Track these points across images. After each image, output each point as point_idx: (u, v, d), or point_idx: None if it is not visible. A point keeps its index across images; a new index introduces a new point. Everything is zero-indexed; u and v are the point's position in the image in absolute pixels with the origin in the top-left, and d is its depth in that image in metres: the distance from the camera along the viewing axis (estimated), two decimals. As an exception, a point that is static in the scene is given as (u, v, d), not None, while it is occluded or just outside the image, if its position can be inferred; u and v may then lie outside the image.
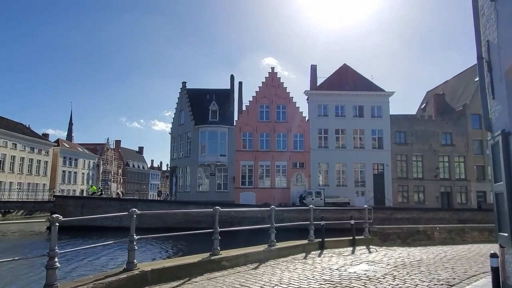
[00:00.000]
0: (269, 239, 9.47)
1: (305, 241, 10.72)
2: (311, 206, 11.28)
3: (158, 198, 57.53)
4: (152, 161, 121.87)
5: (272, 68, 41.09)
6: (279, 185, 39.76)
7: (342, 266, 8.27)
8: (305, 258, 9.33)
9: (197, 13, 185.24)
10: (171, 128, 44.85)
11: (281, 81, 41.39)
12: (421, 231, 13.07)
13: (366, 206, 12.81)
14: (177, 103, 43.83)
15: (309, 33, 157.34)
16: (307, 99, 41.61)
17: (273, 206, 10.03)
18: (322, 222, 11.04)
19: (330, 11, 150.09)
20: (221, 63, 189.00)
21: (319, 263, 8.63)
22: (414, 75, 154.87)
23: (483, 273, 8.11)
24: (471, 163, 40.89)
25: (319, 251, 10.50)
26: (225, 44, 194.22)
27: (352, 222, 11.88)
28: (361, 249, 11.09)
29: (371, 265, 8.62)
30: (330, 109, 40.75)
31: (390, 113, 41.46)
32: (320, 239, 10.95)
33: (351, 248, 11.17)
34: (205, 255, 7.77)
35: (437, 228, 13.24)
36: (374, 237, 12.41)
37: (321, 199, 36.51)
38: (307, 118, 40.82)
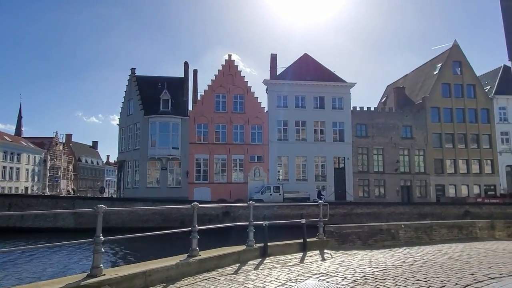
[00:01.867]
0: (190, 248, 7.03)
1: (243, 247, 8.37)
2: (250, 202, 8.91)
3: (101, 195, 53.25)
4: (108, 156, 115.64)
5: (229, 56, 38.51)
6: (236, 180, 37.41)
7: (283, 285, 5.98)
8: (236, 272, 6.95)
9: (159, 8, 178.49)
10: (119, 119, 41.16)
11: (238, 70, 38.90)
12: (384, 229, 11.11)
13: (320, 201, 10.64)
14: (125, 91, 40.20)
15: (273, 32, 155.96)
16: (266, 89, 39.46)
17: (195, 203, 7.51)
18: (264, 223, 8.71)
19: (295, 12, 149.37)
20: (182, 58, 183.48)
21: (253, 281, 6.28)
22: (370, 74, 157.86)
23: (466, 287, 6.15)
24: (430, 156, 40.52)
25: (260, 259, 8.16)
26: (187, 40, 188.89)
27: (303, 221, 9.65)
28: (313, 255, 8.89)
29: (322, 280, 6.38)
30: (290, 100, 38.83)
31: (351, 105, 40.21)
32: (263, 244, 8.64)
33: (301, 255, 8.94)
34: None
35: (402, 226, 11.35)
36: (330, 239, 10.28)
37: (280, 194, 34.60)
38: (266, 109, 38.67)
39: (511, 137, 41.94)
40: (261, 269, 7.20)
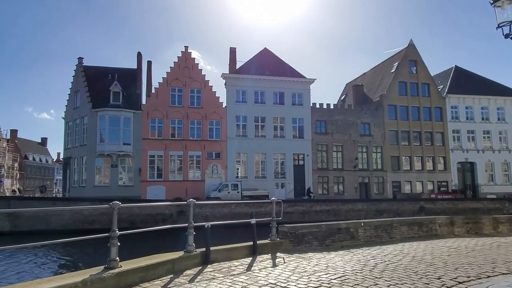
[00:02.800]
0: (107, 258, 5.63)
1: (180, 254, 7.05)
2: (191, 199, 7.59)
3: (41, 195, 49.35)
4: (59, 154, 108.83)
5: (186, 48, 36.68)
6: (193, 177, 35.77)
7: (219, 304, 4.76)
8: (165, 287, 5.63)
9: (115, 1, 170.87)
10: (64, 112, 38.04)
11: (195, 63, 37.19)
12: (343, 229, 10.19)
13: (273, 198, 9.54)
14: (72, 82, 37.20)
15: (234, 30, 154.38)
16: (225, 84, 38.09)
17: (115, 202, 6.08)
18: (207, 224, 7.43)
19: (256, 11, 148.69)
20: (137, 53, 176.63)
21: (182, 299, 5.00)
22: (330, 74, 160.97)
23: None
24: (387, 153, 41.02)
25: (199, 268, 6.88)
26: (146, 36, 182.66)
27: (253, 221, 8.47)
28: (263, 260, 7.74)
29: (270, 294, 5.24)
30: (249, 95, 37.73)
31: (311, 102, 39.82)
32: (204, 249, 7.36)
33: (249, 260, 7.76)
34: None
35: (362, 224, 10.50)
36: (284, 240, 9.19)
37: (238, 192, 33.43)
38: (224, 105, 37.30)
39: (462, 135, 43.44)
40: (197, 282, 5.92)
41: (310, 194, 37.99)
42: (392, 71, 43.97)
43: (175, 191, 33.60)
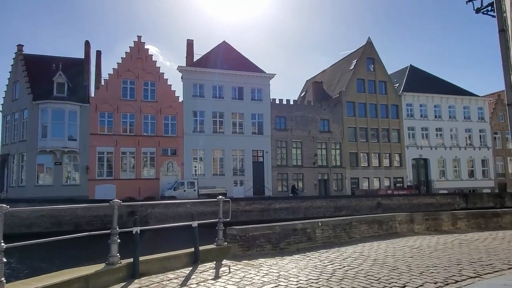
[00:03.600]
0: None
1: (100, 266, 5.73)
2: (115, 200, 6.25)
3: None
4: None
5: (139, 37, 34.51)
6: (147, 175, 33.82)
7: None
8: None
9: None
10: (2, 105, 34.58)
11: (149, 54, 35.12)
12: (299, 229, 9.24)
13: (220, 197, 8.37)
14: (10, 72, 33.85)
15: (193, 27, 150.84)
16: (182, 77, 36.35)
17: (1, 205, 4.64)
18: (135, 229, 6.14)
19: (217, 7, 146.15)
20: (93, 48, 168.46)
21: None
22: (290, 72, 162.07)
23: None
24: (346, 150, 41.16)
25: (123, 284, 5.60)
26: (100, 29, 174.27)
27: (195, 224, 7.26)
28: (205, 270, 6.57)
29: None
30: (207, 89, 36.27)
31: (271, 97, 39.03)
32: (132, 260, 6.07)
33: (189, 270, 6.56)
34: None
35: (319, 224, 9.61)
36: (233, 245, 8.07)
37: (195, 190, 31.95)
38: (181, 99, 35.57)
39: (416, 132, 44.56)
40: (112, 305, 4.65)
41: (296, 191, 37.65)
42: (350, 68, 44.21)
43: (127, 191, 31.53)
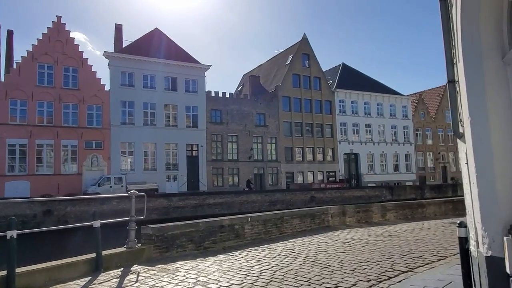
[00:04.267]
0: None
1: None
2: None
3: None
4: None
5: (58, 18, 31.11)
6: (67, 170, 30.75)
7: None
8: None
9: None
10: None
11: (71, 36, 31.85)
12: (226, 226, 8.38)
13: (133, 191, 7.18)
14: None
15: (126, 14, 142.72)
16: (108, 64, 33.57)
17: None
18: (10, 234, 4.79)
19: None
20: (4, 26, 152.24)
21: None
22: (226, 66, 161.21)
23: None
24: (281, 144, 41.33)
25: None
26: (17, 9, 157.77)
27: (97, 224, 6.04)
28: (107, 280, 5.41)
29: None
30: (137, 78, 33.94)
31: (206, 90, 37.76)
32: (6, 271, 4.73)
33: (85, 281, 5.36)
34: None
35: (249, 220, 8.84)
36: (148, 246, 6.97)
37: (122, 186, 29.69)
38: (107, 88, 32.84)
39: (348, 128, 46.24)
40: None
41: (251, 185, 36.97)
42: (287, 63, 44.46)
43: (43, 188, 28.35)
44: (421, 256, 7.01)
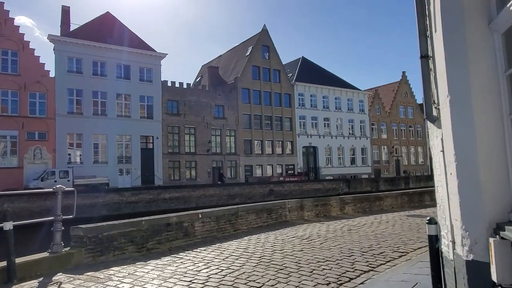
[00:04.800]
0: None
1: None
2: None
3: None
4: None
5: (-4, -5, 28.15)
6: (6, 163, 28.15)
7: None
8: None
9: None
10: None
11: (10, 16, 28.98)
12: (173, 223, 7.54)
13: (59, 186, 6.15)
14: None
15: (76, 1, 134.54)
16: (54, 49, 31.03)
17: None
18: None
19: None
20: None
21: None
22: (184, 60, 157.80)
23: None
24: (240, 137, 40.64)
25: None
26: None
27: (8, 226, 4.99)
28: (17, 295, 4.44)
29: None
30: (86, 65, 31.67)
31: (162, 79, 36.14)
32: None
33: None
34: None
35: (200, 216, 8.05)
36: (77, 250, 5.98)
37: (69, 180, 27.63)
38: (52, 74, 30.36)
39: (307, 121, 46.41)
40: None
41: (223, 178, 36.37)
42: (246, 54, 43.67)
43: (-23, 182, 25.71)
44: (382, 253, 6.60)
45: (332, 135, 48.28)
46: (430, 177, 49.44)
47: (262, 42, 43.91)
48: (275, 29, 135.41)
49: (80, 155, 31.46)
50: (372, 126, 52.81)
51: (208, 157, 38.26)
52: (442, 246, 3.63)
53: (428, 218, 3.89)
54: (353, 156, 50.19)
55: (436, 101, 3.38)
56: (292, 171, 43.64)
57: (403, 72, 57.40)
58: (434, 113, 3.43)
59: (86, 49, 31.50)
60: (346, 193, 38.65)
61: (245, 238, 8.04)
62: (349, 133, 50.16)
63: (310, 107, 46.77)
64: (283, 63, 46.61)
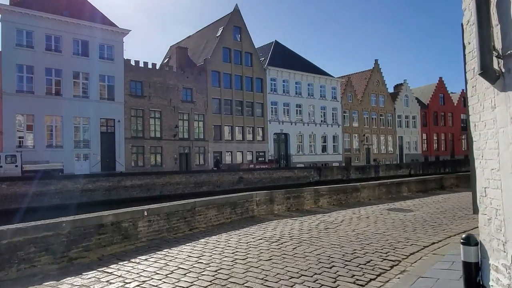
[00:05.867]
0: None
1: None
2: None
3: None
4: None
5: None
6: None
7: None
8: None
9: None
10: None
11: None
12: (108, 224, 5.91)
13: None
14: None
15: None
16: (0, 19, 27.77)
17: None
18: None
19: None
20: None
21: None
22: (152, 41, 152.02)
23: None
24: (209, 122, 38.79)
25: None
26: None
27: None
28: None
29: None
30: (38, 38, 28.62)
31: (125, 58, 33.51)
32: None
33: None
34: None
35: (145, 214, 6.47)
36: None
37: (17, 166, 25.04)
38: (-2, 48, 27.24)
39: (279, 107, 45.08)
40: None
41: (219, 165, 36.04)
42: (217, 35, 41.49)
43: None
44: (369, 262, 5.31)
45: (304, 122, 47.27)
46: (399, 166, 49.72)
47: (234, 23, 41.84)
48: (247, 11, 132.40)
49: (32, 138, 28.68)
50: (344, 114, 52.26)
51: (175, 143, 36.23)
52: (490, 282, 2.31)
53: (464, 235, 2.53)
54: (324, 144, 49.54)
55: (499, 46, 2.00)
56: (263, 158, 42.38)
57: (375, 60, 56.97)
58: (496, 65, 2.04)
59: (38, 21, 28.40)
60: (317, 182, 37.88)
61: (202, 240, 6.54)
62: (321, 121, 49.36)
63: (282, 93, 45.41)
64: (256, 47, 44.79)
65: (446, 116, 64.62)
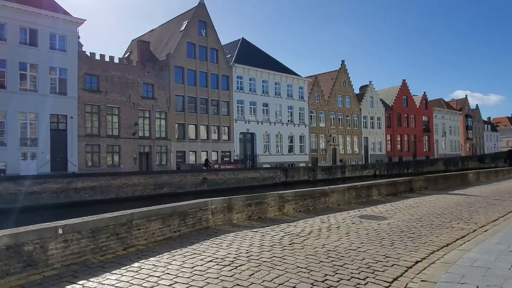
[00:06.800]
0: None
1: None
2: None
3: None
4: None
5: None
6: None
7: None
8: None
9: None
10: None
11: None
12: (4, 250, 4.35)
13: None
14: None
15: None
16: None
17: None
18: None
19: None
20: None
21: None
22: (112, 33, 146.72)
23: None
24: (172, 120, 36.97)
25: None
26: None
27: None
28: None
29: None
30: (-22, 24, 25.84)
31: (80, 49, 31.06)
32: None
33: None
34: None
35: (60, 232, 4.99)
36: None
37: None
38: None
39: (245, 106, 43.90)
40: None
41: (209, 164, 35.95)
42: (181, 29, 39.69)
43: None
44: (345, 295, 4.14)
45: (270, 122, 46.40)
46: (365, 166, 49.96)
47: (199, 17, 40.21)
48: (214, 8, 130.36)
49: (-30, 135, 25.84)
50: (311, 114, 51.93)
51: (134, 141, 34.17)
52: None
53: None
54: (291, 144, 48.91)
55: None
56: (228, 159, 41.05)
57: (342, 61, 57.13)
58: None
59: (-23, 5, 25.62)
60: (283, 183, 37.01)
61: (135, 265, 5.13)
62: (288, 120, 48.70)
63: (248, 91, 44.27)
64: (222, 44, 43.36)
65: (409, 117, 66.05)
